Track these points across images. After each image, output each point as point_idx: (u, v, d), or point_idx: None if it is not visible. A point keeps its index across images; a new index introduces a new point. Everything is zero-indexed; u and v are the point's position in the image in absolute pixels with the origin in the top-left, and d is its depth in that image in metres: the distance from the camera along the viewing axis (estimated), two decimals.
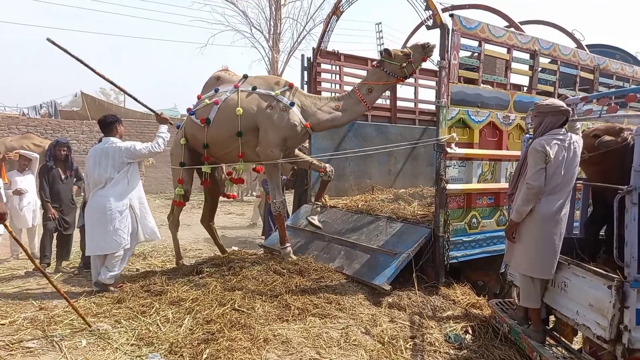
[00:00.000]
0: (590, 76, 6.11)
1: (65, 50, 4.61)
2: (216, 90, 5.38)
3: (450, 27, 4.59)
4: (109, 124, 4.90)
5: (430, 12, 4.71)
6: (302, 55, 6.32)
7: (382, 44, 23.75)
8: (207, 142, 5.30)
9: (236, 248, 7.19)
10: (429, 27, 4.74)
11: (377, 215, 5.52)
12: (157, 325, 3.72)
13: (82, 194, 6.13)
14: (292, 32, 21.51)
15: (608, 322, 2.82)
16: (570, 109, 3.52)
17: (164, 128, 5.06)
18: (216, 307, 3.93)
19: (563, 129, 3.48)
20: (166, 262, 6.60)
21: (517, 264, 3.62)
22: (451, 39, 4.61)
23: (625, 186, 2.87)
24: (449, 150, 4.71)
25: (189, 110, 5.45)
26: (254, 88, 5.26)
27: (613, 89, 6.40)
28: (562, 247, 3.47)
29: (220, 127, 5.22)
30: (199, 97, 5.44)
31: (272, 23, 21.09)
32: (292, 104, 5.18)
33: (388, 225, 5.20)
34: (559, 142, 3.37)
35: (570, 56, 5.79)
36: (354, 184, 7.13)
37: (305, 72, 6.32)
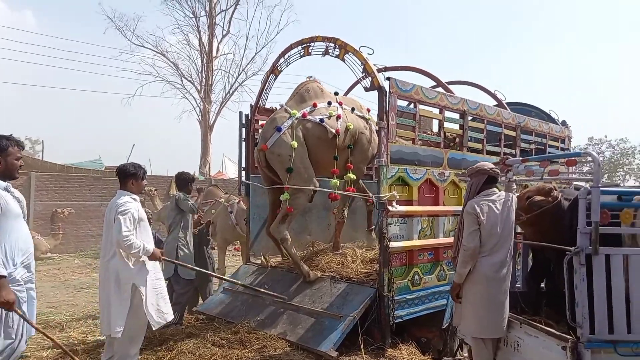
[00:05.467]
0: (513, 133, 6.53)
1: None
2: (329, 103, 5.44)
3: (387, 89, 4.73)
4: (125, 176, 3.80)
5: (367, 74, 4.84)
6: (240, 113, 6.21)
7: None
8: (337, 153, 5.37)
9: None
10: (366, 89, 4.86)
11: (320, 275, 5.36)
12: None
13: None
14: (224, 83, 21.61)
15: None
16: (488, 168, 3.60)
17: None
18: None
19: (494, 189, 3.60)
20: (87, 333, 5.93)
21: (467, 327, 3.58)
22: (389, 101, 4.75)
23: (572, 247, 2.94)
24: (390, 208, 4.74)
25: (305, 115, 5.20)
26: (353, 109, 5.66)
27: (534, 144, 6.89)
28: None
29: (340, 140, 5.41)
30: (314, 105, 5.32)
31: (203, 75, 21.06)
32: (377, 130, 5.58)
33: (332, 286, 5.05)
34: (489, 203, 3.46)
35: (495, 115, 6.17)
36: (294, 241, 6.91)
37: (243, 129, 6.20)
